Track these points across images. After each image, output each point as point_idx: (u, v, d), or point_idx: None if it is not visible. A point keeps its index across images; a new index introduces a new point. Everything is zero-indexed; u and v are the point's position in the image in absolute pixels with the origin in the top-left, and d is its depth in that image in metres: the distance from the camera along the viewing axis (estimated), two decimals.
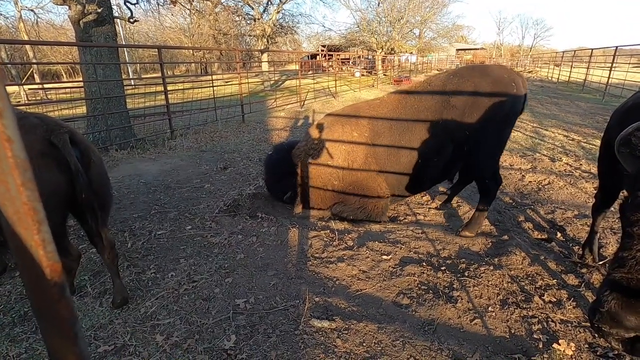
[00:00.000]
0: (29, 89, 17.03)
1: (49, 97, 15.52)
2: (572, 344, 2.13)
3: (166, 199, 4.51)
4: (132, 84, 18.02)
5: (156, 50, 7.59)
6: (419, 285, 2.73)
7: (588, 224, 3.64)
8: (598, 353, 2.09)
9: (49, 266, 0.39)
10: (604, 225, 3.61)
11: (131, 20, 8.04)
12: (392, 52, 30.28)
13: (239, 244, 3.40)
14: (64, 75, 30.89)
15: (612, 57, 12.90)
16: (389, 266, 3.02)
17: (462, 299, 2.56)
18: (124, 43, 20.85)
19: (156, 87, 11.66)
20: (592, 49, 15.91)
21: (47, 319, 0.41)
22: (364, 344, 2.18)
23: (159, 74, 7.65)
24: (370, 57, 32.00)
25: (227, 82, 15.00)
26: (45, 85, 17.15)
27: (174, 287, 2.76)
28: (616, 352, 2.08)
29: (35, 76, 21.46)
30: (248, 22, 23.10)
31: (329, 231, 3.64)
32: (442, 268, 2.95)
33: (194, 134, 8.08)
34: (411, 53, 34.06)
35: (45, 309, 0.40)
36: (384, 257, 3.15)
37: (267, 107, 12.03)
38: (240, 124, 9.28)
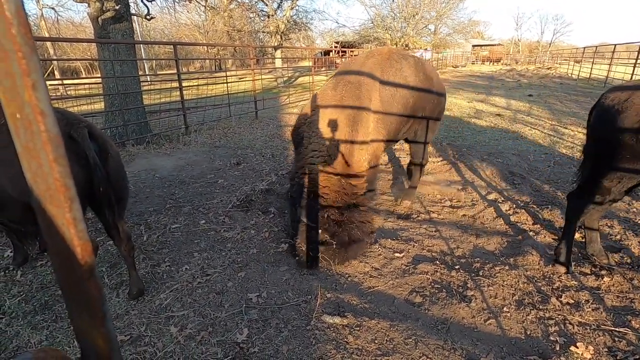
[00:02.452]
0: (50, 84, 17.48)
1: (69, 93, 15.92)
2: (591, 347, 2.07)
3: (181, 194, 4.57)
4: (148, 80, 18.31)
5: (172, 46, 7.67)
6: (432, 284, 2.71)
7: (608, 224, 3.54)
8: (618, 357, 2.04)
9: (80, 245, 0.39)
10: (624, 225, 3.51)
11: (148, 17, 8.16)
12: (407, 48, 29.94)
13: (251, 239, 3.43)
14: (83, 72, 31.60)
15: (636, 52, 12.46)
16: (402, 264, 2.99)
17: (476, 299, 2.52)
18: (140, 40, 21.17)
19: (171, 84, 11.82)
20: (615, 45, 15.39)
21: (76, 299, 0.41)
22: (376, 341, 2.17)
23: (175, 71, 7.74)
24: None
25: (240, 78, 15.09)
26: (65, 82, 17.57)
27: (188, 280, 2.80)
28: (637, 357, 2.02)
29: (56, 72, 22.02)
30: (262, 18, 23.18)
31: None
32: (456, 267, 2.91)
33: (207, 129, 8.16)
34: (426, 49, 33.59)
35: (75, 289, 0.40)
36: (397, 254, 3.13)
37: (280, 104, 12.05)
38: (253, 120, 9.33)
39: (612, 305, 2.47)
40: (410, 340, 2.17)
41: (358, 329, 2.27)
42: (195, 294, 2.64)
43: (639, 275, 2.76)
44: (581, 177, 2.87)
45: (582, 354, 2.04)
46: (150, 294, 2.65)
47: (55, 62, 21.11)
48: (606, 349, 2.10)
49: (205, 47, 30.36)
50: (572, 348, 2.08)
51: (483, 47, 46.16)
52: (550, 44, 59.33)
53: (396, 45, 28.44)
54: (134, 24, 7.16)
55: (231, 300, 2.57)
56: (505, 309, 2.43)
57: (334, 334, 2.23)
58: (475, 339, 2.19)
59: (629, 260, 2.97)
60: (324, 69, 21.27)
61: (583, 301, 2.50)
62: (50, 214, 0.37)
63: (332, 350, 2.11)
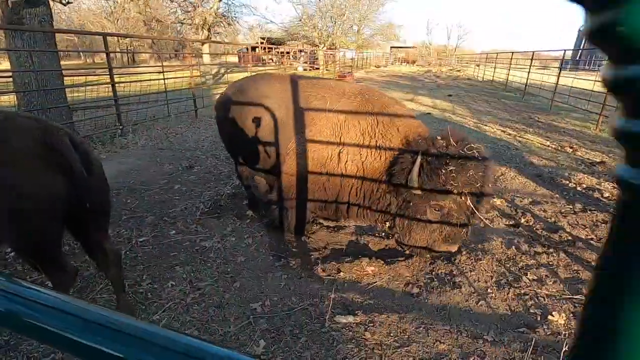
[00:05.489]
0: None
1: None
2: (563, 315, 2.46)
3: (135, 203, 4.15)
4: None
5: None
6: (424, 275, 2.92)
7: (544, 209, 4.18)
8: None
9: None
10: (554, 209, 4.18)
11: (64, 1, 7.10)
12: (334, 47, 30.80)
13: (234, 246, 3.29)
14: None
15: (529, 60, 14.66)
16: (387, 260, 3.16)
17: (464, 284, 2.80)
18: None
19: (87, 78, 10.43)
20: (512, 52, 17.88)
21: None
22: (392, 334, 2.29)
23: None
24: (310, 51, 32.19)
25: (160, 72, 13.93)
26: None
27: (179, 297, 2.60)
28: None
29: None
30: (187, 10, 21.64)
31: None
32: (439, 257, 3.17)
33: (144, 130, 7.47)
34: (350, 49, 34.95)
35: None
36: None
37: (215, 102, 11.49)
38: (194, 119, 8.78)
39: (565, 277, 2.95)
40: (421, 328, 2.34)
41: (372, 324, 2.36)
42: (193, 311, 2.47)
43: (577, 250, 3.33)
44: None
45: (557, 321, 2.41)
46: (139, 317, 2.39)
47: None
48: (572, 314, 2.52)
49: (115, 37, 27.28)
50: (550, 317, 2.44)
51: (400, 49, 49.66)
52: (455, 48, 66.21)
53: (324, 44, 29.07)
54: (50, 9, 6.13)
55: (235, 312, 2.46)
56: (489, 290, 2.75)
57: (350, 332, 2.29)
58: (474, 319, 2.45)
59: (566, 238, 3.56)
60: (249, 65, 20.77)
61: (544, 276, 2.94)
62: None
63: (355, 349, 2.16)
